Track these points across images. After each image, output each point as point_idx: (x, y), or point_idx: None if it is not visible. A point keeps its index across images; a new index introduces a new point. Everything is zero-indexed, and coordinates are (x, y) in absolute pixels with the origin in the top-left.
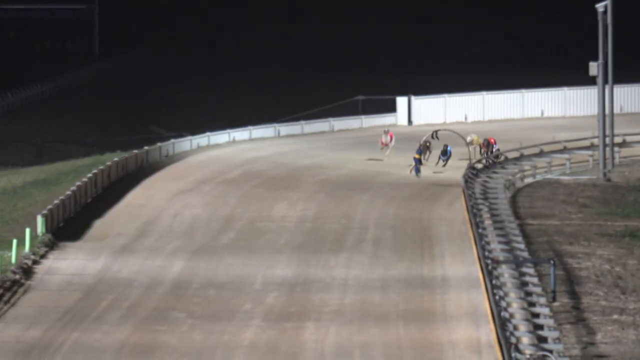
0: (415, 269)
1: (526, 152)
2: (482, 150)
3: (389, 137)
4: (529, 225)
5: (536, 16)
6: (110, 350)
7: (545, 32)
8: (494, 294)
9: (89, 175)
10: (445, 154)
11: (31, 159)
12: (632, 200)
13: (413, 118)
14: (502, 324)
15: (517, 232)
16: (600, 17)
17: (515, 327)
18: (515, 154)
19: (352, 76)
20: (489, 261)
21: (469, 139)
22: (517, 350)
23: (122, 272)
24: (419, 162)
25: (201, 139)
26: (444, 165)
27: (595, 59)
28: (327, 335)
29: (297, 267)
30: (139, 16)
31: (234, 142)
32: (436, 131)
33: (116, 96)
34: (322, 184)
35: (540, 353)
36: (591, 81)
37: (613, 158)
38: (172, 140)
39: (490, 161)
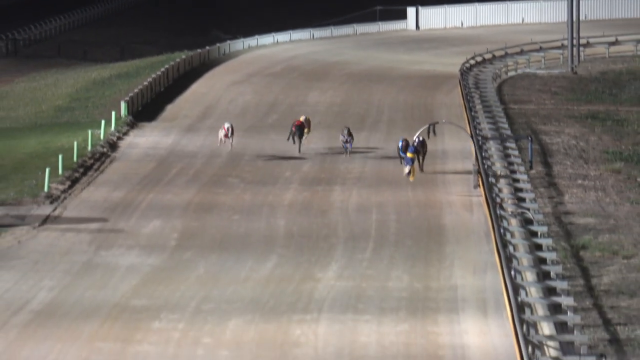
0: None
1: (510, 51)
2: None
3: (230, 129)
4: (511, 109)
5: None
6: (178, 207)
7: None
8: (483, 164)
9: (162, 69)
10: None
11: (116, 56)
12: (593, 89)
13: (420, 24)
14: (489, 187)
15: (502, 114)
16: None
17: (500, 190)
18: (501, 53)
19: None
20: (479, 138)
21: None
22: (501, 208)
23: (189, 146)
24: (411, 162)
25: (251, 41)
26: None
27: None
28: (350, 196)
29: (327, 142)
30: None
31: (277, 43)
32: (434, 124)
33: (185, 5)
34: (347, 77)
35: (520, 210)
36: None
37: (579, 56)
38: (228, 42)
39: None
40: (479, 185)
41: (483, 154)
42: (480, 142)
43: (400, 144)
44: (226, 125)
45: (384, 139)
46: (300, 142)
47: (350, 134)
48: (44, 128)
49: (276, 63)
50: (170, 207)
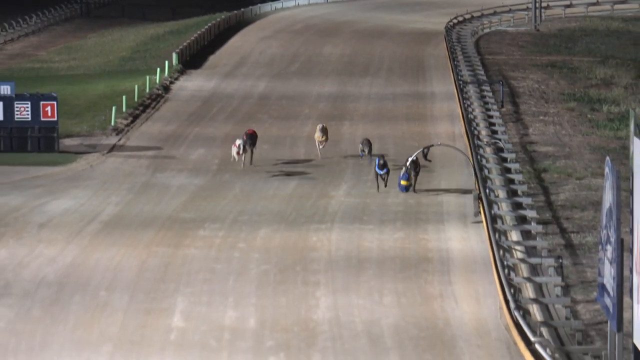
0: (414, 87)
1: (485, 12)
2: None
3: (242, 146)
4: (486, 59)
5: None
6: (219, 138)
7: None
8: (463, 103)
9: (206, 27)
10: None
11: (169, 17)
12: (552, 43)
13: None
14: (468, 122)
15: (478, 63)
16: None
17: (477, 124)
18: (478, 14)
19: None
20: (460, 82)
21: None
22: (479, 138)
23: (227, 89)
24: (405, 189)
25: (277, 4)
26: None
27: None
28: (357, 129)
29: (338, 86)
30: None
31: (298, 6)
32: (428, 147)
33: None
34: (355, 33)
35: (493, 140)
36: None
37: (541, 16)
38: (259, 5)
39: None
40: (479, 213)
41: (463, 96)
42: (461, 86)
43: (377, 162)
44: (237, 142)
45: (384, 84)
46: (251, 152)
47: (369, 145)
48: (111, 74)
49: (297, 22)
50: (212, 138)
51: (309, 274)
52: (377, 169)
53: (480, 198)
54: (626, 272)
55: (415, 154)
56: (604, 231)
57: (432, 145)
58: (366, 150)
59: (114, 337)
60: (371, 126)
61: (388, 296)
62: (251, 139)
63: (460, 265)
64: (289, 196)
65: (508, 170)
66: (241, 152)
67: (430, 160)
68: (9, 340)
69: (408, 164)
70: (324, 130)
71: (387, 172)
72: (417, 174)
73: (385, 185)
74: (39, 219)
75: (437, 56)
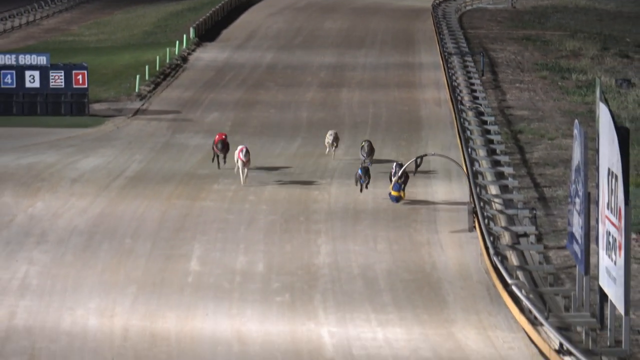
0: (404, 58)
1: None
2: None
3: (245, 153)
4: (468, 33)
5: None
6: (231, 103)
7: None
8: (448, 72)
9: (219, 4)
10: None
11: None
12: (527, 19)
13: None
14: (453, 89)
15: (462, 37)
16: None
17: (460, 91)
18: None
19: None
20: (445, 54)
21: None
22: (461, 103)
23: (238, 59)
24: (396, 200)
25: None
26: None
27: None
28: (354, 95)
29: (337, 57)
30: None
31: None
32: (421, 157)
33: None
34: (352, 10)
35: (474, 105)
36: None
37: None
38: None
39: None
40: (474, 228)
41: (448, 66)
42: (446, 57)
43: (359, 169)
44: (242, 155)
45: (378, 55)
46: (224, 158)
47: (371, 151)
48: (135, 47)
49: (301, 0)
50: (225, 103)
51: (311, 223)
52: (360, 172)
53: (475, 212)
54: (593, 222)
55: (408, 163)
56: (573, 186)
57: (426, 155)
58: (367, 158)
59: (138, 280)
60: (366, 92)
61: (381, 243)
62: (223, 144)
63: (446, 216)
64: (293, 154)
65: (488, 132)
66: (244, 160)
67: (418, 167)
68: (45, 282)
69: (400, 172)
70: (332, 137)
71: (368, 181)
72: (405, 182)
73: (366, 188)
74: (71, 174)
75: (425, 30)
